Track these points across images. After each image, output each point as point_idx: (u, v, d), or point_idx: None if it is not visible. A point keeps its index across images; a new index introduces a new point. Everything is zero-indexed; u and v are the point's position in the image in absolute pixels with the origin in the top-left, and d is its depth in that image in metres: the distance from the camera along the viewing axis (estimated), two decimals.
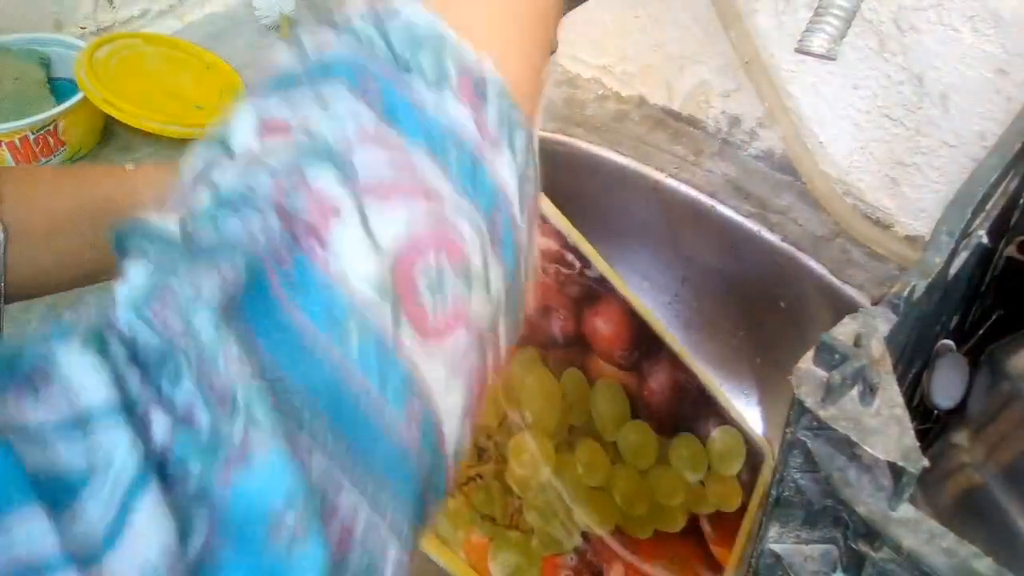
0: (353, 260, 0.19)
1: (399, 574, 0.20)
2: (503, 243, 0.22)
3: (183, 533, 0.16)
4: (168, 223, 0.19)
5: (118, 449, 0.16)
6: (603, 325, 0.58)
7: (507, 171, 0.22)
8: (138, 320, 0.17)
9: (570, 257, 0.57)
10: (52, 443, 0.15)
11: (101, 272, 0.42)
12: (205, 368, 0.17)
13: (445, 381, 0.20)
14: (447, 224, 0.20)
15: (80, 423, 0.16)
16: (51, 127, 0.65)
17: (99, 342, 0.17)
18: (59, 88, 0.70)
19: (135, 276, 0.18)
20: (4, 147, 0.64)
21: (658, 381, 0.61)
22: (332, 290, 0.18)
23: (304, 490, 0.17)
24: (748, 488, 0.64)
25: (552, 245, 0.56)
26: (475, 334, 0.21)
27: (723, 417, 0.64)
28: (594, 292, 0.58)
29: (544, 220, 0.56)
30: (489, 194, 0.22)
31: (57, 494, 0.15)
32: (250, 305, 0.18)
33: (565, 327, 0.56)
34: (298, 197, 0.19)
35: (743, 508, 0.63)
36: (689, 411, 0.62)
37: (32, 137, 0.64)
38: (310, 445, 0.18)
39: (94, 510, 0.15)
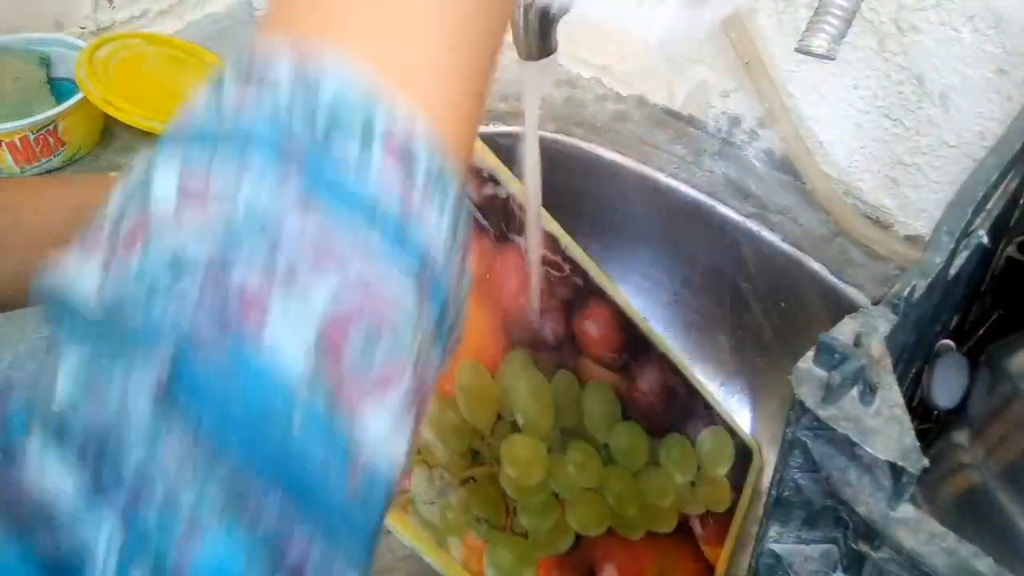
0: (284, 338, 0.19)
1: None
2: (432, 300, 0.22)
3: None
4: (88, 287, 0.19)
5: (99, 543, 0.16)
6: (592, 327, 0.58)
7: (434, 232, 0.22)
8: (75, 410, 0.18)
9: (559, 260, 0.57)
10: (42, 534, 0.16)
11: None
12: (145, 455, 0.17)
13: (386, 444, 0.21)
14: (375, 291, 0.21)
15: (55, 517, 0.16)
16: (51, 127, 0.65)
17: (56, 434, 0.17)
18: (59, 88, 0.70)
19: (69, 365, 0.18)
20: (4, 147, 0.64)
21: (647, 382, 0.61)
22: (265, 372, 0.19)
23: (259, 566, 0.17)
24: (737, 488, 0.64)
25: (543, 248, 0.56)
26: (414, 391, 0.22)
27: (711, 418, 0.64)
28: (584, 294, 0.58)
29: (534, 224, 0.56)
30: (417, 256, 0.22)
31: None
32: (185, 390, 0.18)
33: (555, 329, 0.56)
34: (227, 277, 0.19)
35: (733, 508, 0.63)
36: (678, 412, 0.62)
37: (32, 137, 0.64)
38: (260, 514, 0.18)
39: None
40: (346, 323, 0.20)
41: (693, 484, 0.62)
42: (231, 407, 0.18)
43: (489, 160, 0.55)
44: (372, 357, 0.20)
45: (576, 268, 0.58)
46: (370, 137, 0.21)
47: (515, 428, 0.53)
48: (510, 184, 0.55)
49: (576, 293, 0.58)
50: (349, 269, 0.20)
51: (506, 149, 0.74)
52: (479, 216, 0.54)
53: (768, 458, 0.69)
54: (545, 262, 0.56)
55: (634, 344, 0.60)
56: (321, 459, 0.19)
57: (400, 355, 0.21)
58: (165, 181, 0.20)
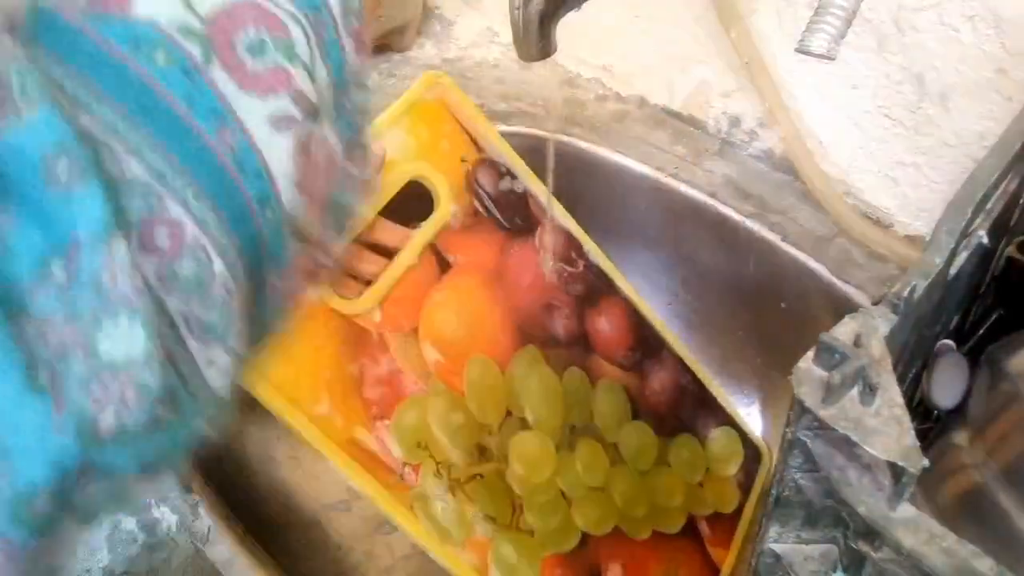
0: (162, 9, 0.20)
1: (227, 316, 0.21)
2: (327, 51, 0.24)
3: None
4: None
5: None
6: (606, 325, 0.58)
7: None
8: None
9: (574, 255, 0.57)
10: None
11: None
12: None
13: (267, 132, 0.22)
14: (266, 6, 0.22)
15: None
16: None
17: None
18: None
19: None
20: None
21: (660, 381, 0.61)
22: (137, 23, 0.20)
23: (75, 144, 0.18)
24: (745, 490, 0.64)
25: (558, 243, 0.56)
26: (301, 109, 0.23)
27: (722, 418, 0.64)
28: (598, 291, 0.58)
29: (550, 219, 0.56)
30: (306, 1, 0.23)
31: None
32: (35, 24, 0.19)
33: (568, 326, 0.56)
34: None
35: (740, 509, 0.63)
36: (689, 412, 0.62)
37: None
38: (97, 125, 0.19)
39: None
40: (234, 20, 0.21)
41: (701, 485, 0.61)
42: (82, 36, 0.19)
43: (506, 153, 0.54)
44: (262, 51, 0.22)
45: (591, 265, 0.57)
46: None
47: (524, 425, 0.52)
48: (527, 179, 0.54)
49: (590, 290, 0.57)
50: None
51: None
52: (495, 210, 0.53)
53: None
54: (559, 258, 0.56)
55: (648, 343, 0.60)
56: (183, 105, 0.20)
57: (291, 65, 0.22)
58: None
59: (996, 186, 0.37)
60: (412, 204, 0.50)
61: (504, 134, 0.73)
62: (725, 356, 0.74)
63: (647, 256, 0.75)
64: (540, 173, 0.70)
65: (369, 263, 0.48)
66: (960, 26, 0.54)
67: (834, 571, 0.32)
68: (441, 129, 0.51)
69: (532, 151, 0.74)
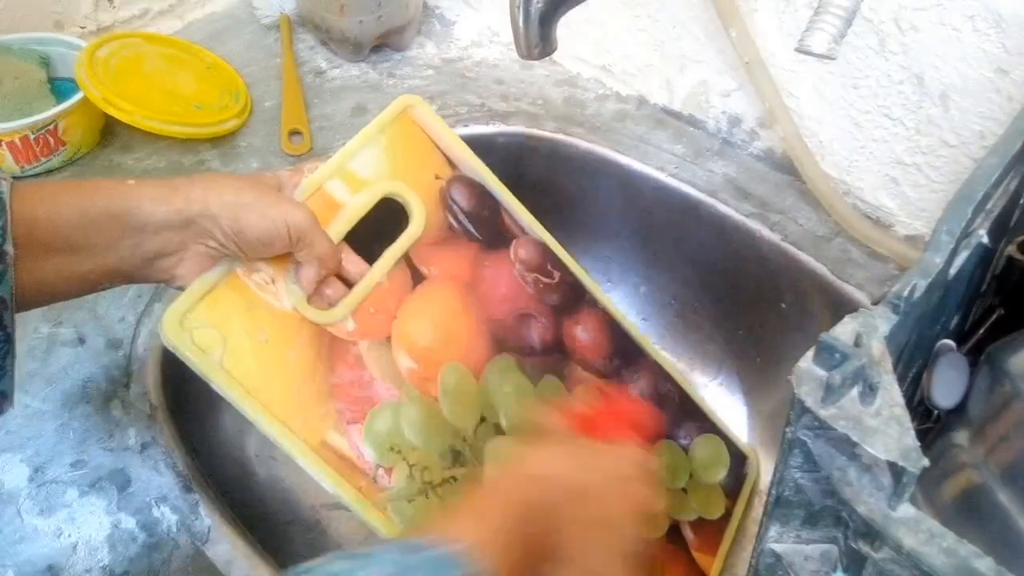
0: None
1: None
2: None
3: None
4: None
5: None
6: (583, 334, 0.59)
7: None
8: None
9: (550, 267, 0.57)
10: None
11: (102, 281, 0.42)
12: None
13: None
14: None
15: None
16: (51, 127, 0.65)
17: None
18: (59, 88, 0.70)
19: None
20: (4, 147, 0.64)
21: (638, 389, 0.61)
22: None
23: None
24: (732, 495, 0.64)
25: (533, 255, 0.57)
26: None
27: (706, 426, 0.64)
28: (574, 302, 0.58)
29: (524, 232, 0.57)
30: None
31: None
32: None
33: (544, 335, 0.56)
34: None
35: (727, 515, 0.63)
36: (670, 419, 0.62)
37: (32, 137, 0.64)
38: None
39: None
40: None
41: (685, 491, 0.61)
42: None
43: (481, 171, 0.55)
44: None
45: (566, 276, 0.58)
46: None
47: (498, 430, 0.52)
48: (502, 194, 0.56)
49: (566, 300, 0.58)
50: None
51: (505, 148, 0.74)
52: (468, 225, 0.54)
53: (766, 461, 0.69)
54: (535, 269, 0.57)
55: (625, 350, 0.61)
56: None
57: None
58: None
59: (996, 186, 0.37)
60: (387, 220, 0.51)
61: (504, 134, 0.73)
62: (725, 356, 0.74)
63: (647, 256, 0.75)
64: (539, 171, 0.70)
65: (351, 264, 0.49)
66: (960, 26, 0.54)
67: (834, 571, 0.32)
68: (415, 148, 0.53)
69: (532, 151, 0.74)
